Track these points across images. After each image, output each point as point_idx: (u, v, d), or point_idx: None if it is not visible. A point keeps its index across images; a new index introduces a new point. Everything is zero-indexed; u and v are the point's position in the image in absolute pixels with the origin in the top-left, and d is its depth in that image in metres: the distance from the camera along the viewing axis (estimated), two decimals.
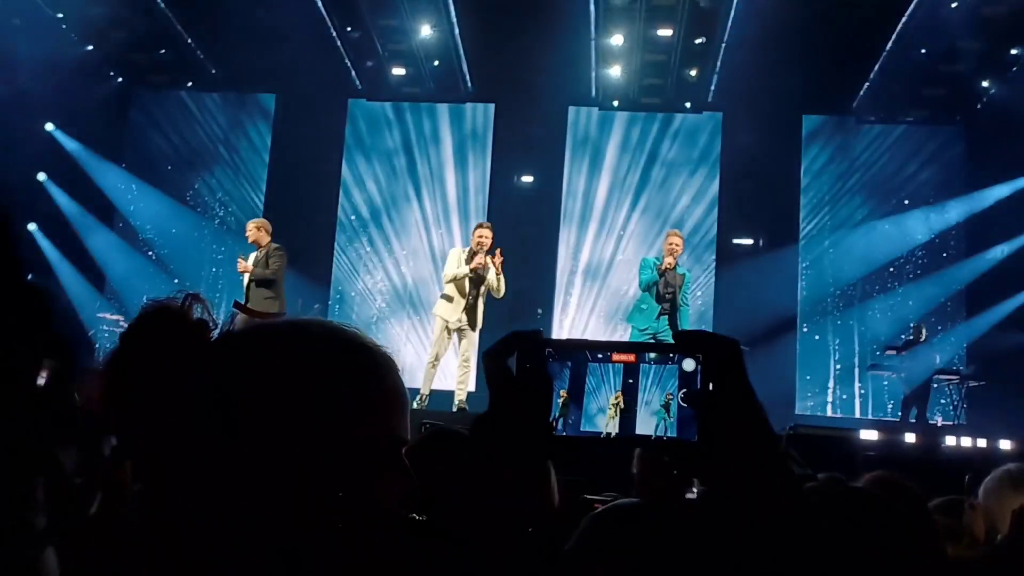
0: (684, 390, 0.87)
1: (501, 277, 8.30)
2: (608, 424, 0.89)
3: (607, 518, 1.72)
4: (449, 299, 8.25)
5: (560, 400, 0.88)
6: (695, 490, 3.29)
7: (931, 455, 7.61)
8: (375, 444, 0.87)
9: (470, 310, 8.20)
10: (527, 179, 13.46)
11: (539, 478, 0.85)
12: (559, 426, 0.88)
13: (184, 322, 0.90)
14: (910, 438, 8.05)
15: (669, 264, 8.31)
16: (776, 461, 0.80)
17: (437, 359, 8.29)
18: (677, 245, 8.40)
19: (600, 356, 0.90)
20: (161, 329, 0.88)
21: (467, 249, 8.37)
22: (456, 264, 8.26)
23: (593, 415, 0.89)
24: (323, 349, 0.89)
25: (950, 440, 7.84)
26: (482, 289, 8.26)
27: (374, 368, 0.90)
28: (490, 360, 0.87)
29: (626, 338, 8.48)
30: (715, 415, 0.83)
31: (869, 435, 7.66)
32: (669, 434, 0.87)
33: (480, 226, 8.45)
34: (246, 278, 8.30)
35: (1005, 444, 7.79)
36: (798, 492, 0.82)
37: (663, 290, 8.30)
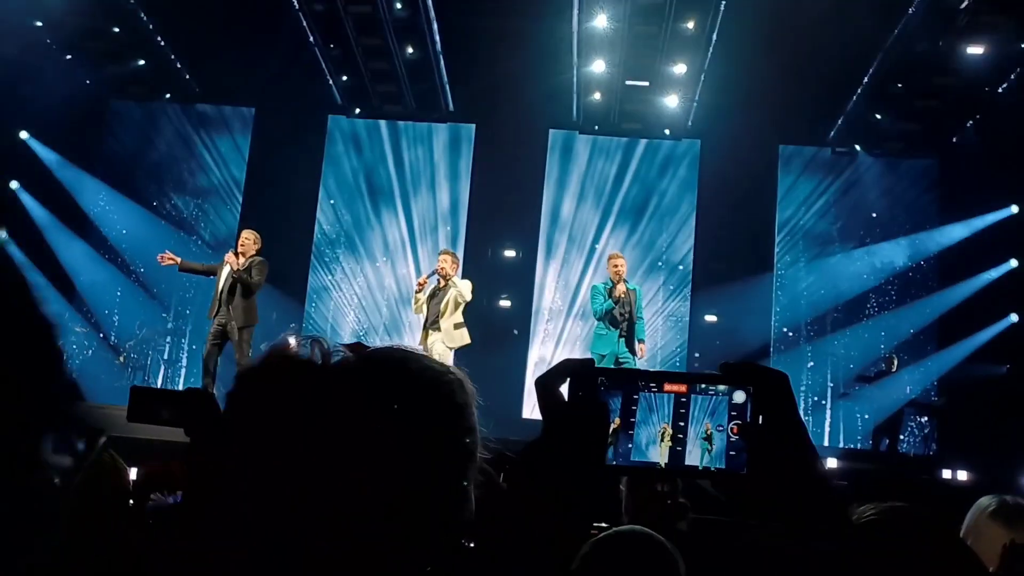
0: (736, 421, 0.87)
1: (456, 285, 8.29)
2: (657, 454, 0.88)
3: (608, 544, 1.69)
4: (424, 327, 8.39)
5: (611, 429, 0.88)
6: (686, 524, 3.27)
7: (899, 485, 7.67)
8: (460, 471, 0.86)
9: (435, 328, 8.23)
10: (507, 198, 13.48)
11: (593, 503, 0.83)
12: (610, 455, 0.87)
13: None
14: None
15: (621, 292, 8.32)
16: (827, 495, 0.79)
17: None
18: (621, 266, 8.45)
19: (652, 386, 0.90)
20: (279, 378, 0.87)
21: (430, 276, 8.48)
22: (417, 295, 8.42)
23: (643, 445, 0.88)
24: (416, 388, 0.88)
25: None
26: (444, 307, 8.23)
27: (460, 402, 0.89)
28: (542, 387, 0.86)
29: None
30: (766, 448, 0.82)
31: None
32: (717, 465, 0.87)
33: (440, 253, 8.60)
34: (222, 281, 8.22)
35: (962, 475, 7.90)
36: (849, 525, 0.81)
37: (618, 315, 8.33)
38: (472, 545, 0.88)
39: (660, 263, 13.32)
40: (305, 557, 0.81)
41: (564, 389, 0.87)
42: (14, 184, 12.80)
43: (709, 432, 0.87)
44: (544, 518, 0.79)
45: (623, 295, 8.31)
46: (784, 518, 0.78)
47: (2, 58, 11.51)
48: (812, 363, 13.06)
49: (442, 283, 8.32)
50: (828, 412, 12.85)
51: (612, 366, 8.06)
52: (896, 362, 11.25)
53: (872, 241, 13.19)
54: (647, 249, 13.31)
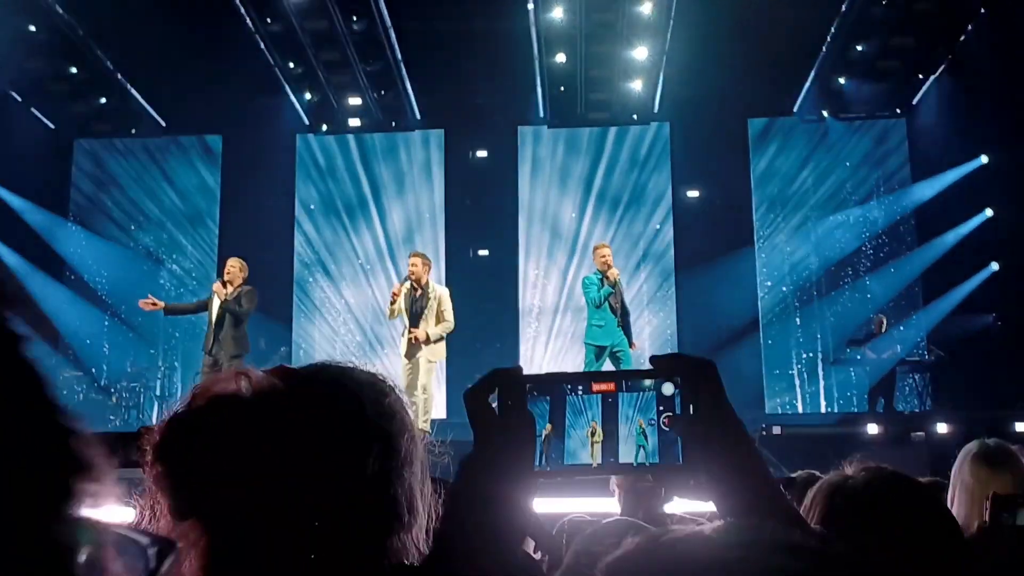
0: (667, 414, 0.87)
1: (446, 311, 8.10)
2: (589, 454, 0.88)
3: (598, 540, 1.70)
4: (402, 334, 8.14)
5: (543, 435, 0.88)
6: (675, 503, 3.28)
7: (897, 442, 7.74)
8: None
9: (412, 345, 8.03)
10: (481, 200, 13.47)
11: (524, 515, 0.84)
12: (542, 461, 0.87)
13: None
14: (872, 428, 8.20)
15: (615, 275, 8.25)
16: (763, 479, 0.80)
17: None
18: (608, 255, 8.33)
19: (580, 388, 0.90)
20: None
21: (404, 282, 8.22)
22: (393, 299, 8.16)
23: (575, 448, 0.88)
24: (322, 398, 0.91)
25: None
26: (426, 317, 8.03)
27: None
28: (471, 399, 0.87)
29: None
30: (700, 437, 0.83)
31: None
32: (651, 460, 0.87)
33: (410, 255, 8.32)
34: (214, 314, 8.16)
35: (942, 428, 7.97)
36: (789, 507, 0.82)
37: (614, 302, 8.25)
38: (415, 565, 0.89)
39: (641, 248, 13.35)
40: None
41: (494, 399, 0.88)
42: None
43: (642, 427, 0.87)
44: (484, 528, 0.79)
45: (617, 279, 8.26)
46: (726, 504, 0.80)
47: None
48: (802, 331, 13.13)
49: (418, 290, 8.08)
50: (822, 378, 12.92)
51: (609, 358, 8.06)
52: (885, 323, 11.31)
53: (848, 205, 13.27)
54: (627, 236, 13.33)
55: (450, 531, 0.82)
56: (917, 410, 11.03)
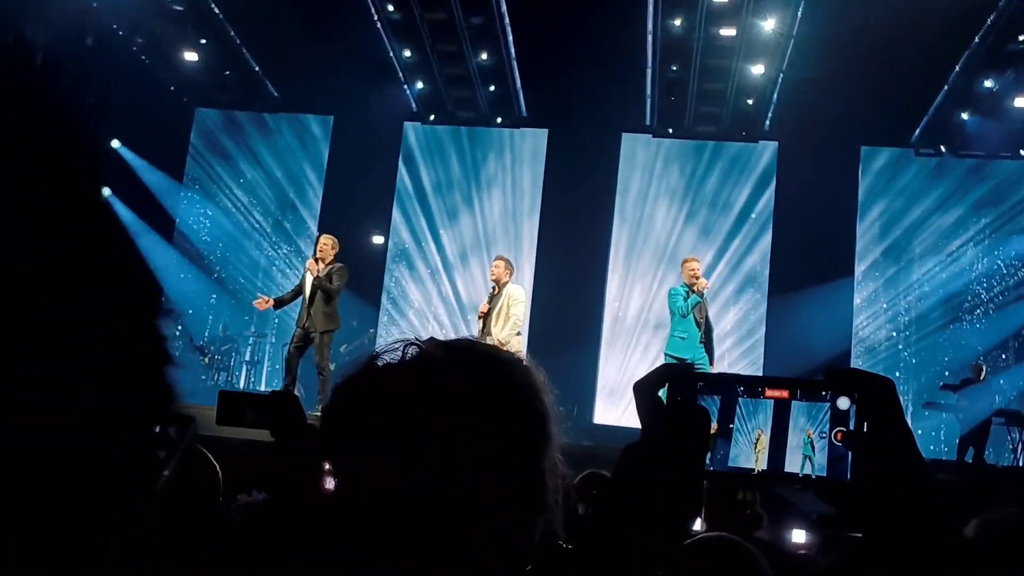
0: (839, 428, 0.86)
1: (510, 294, 8.22)
2: (754, 460, 0.87)
3: (697, 550, 1.70)
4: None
5: (711, 434, 0.87)
6: (765, 533, 3.24)
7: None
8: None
9: (485, 337, 8.14)
10: (579, 203, 13.44)
11: (695, 507, 0.84)
12: (708, 460, 0.87)
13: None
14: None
15: (703, 284, 8.15)
16: (936, 508, 0.78)
17: None
18: (697, 269, 8.25)
19: (752, 391, 0.89)
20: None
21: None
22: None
23: (741, 451, 0.88)
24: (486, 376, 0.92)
25: None
26: (496, 316, 8.16)
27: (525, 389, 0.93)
28: (641, 392, 0.87)
29: None
30: (870, 456, 0.81)
31: None
32: (817, 472, 0.86)
33: (496, 258, 8.54)
34: (308, 288, 8.41)
35: None
36: (961, 541, 0.80)
37: (699, 315, 8.14)
38: (569, 547, 0.90)
39: (735, 268, 13.11)
40: (407, 548, 0.86)
41: (662, 394, 0.88)
42: (106, 191, 13.29)
43: (811, 439, 0.86)
44: (642, 523, 0.79)
45: (704, 287, 8.18)
46: (888, 531, 0.78)
47: (95, 70, 12.00)
48: (895, 370, 12.68)
49: (496, 289, 8.27)
50: (911, 422, 12.45)
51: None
52: (984, 371, 10.86)
53: (956, 246, 12.74)
54: (722, 254, 13.12)
55: (607, 519, 0.82)
56: (1010, 464, 10.54)
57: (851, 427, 0.85)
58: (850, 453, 0.84)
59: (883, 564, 0.79)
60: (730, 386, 0.89)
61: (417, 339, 0.94)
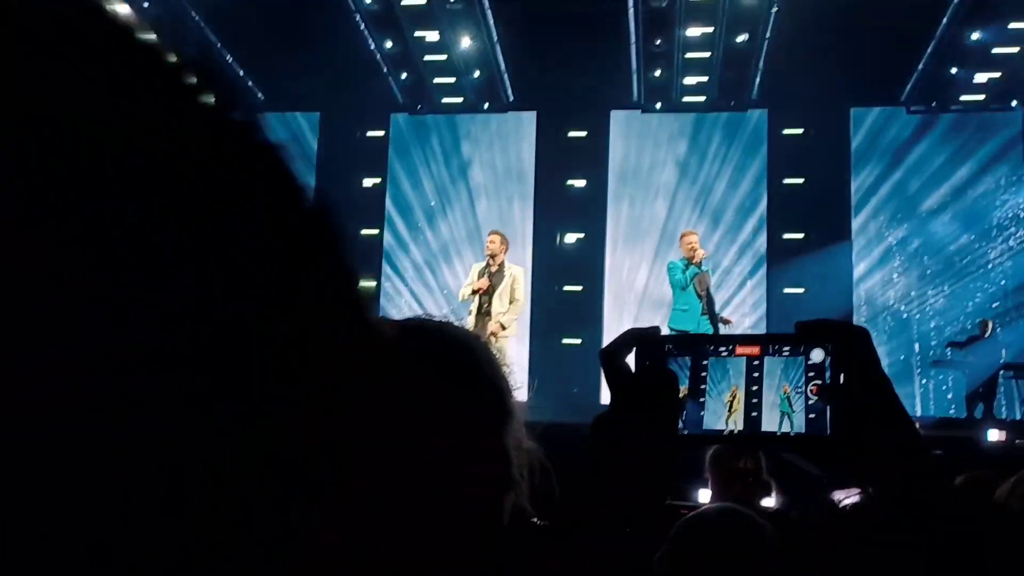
0: (814, 382, 0.81)
1: (517, 291, 8.08)
2: (730, 421, 0.83)
3: (698, 525, 1.65)
4: (470, 312, 8.17)
5: (680, 397, 0.83)
6: (772, 497, 3.20)
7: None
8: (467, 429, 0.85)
9: (481, 316, 8.03)
10: (572, 184, 13.38)
11: (666, 476, 0.80)
12: (680, 424, 0.83)
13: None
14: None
15: (701, 255, 8.11)
16: (919, 451, 0.74)
17: None
18: (695, 242, 8.21)
19: (722, 350, 0.85)
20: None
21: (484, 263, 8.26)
22: (471, 278, 8.17)
23: (715, 412, 0.84)
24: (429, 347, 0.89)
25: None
26: (499, 296, 8.03)
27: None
28: (607, 358, 0.83)
29: None
30: (849, 407, 0.77)
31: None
32: (796, 430, 0.82)
33: (489, 233, 8.36)
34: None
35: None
36: (945, 483, 0.76)
37: (699, 287, 8.09)
38: (543, 523, 0.87)
39: (733, 238, 13.07)
40: (374, 535, 0.82)
41: (631, 360, 0.84)
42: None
43: (788, 395, 0.82)
44: (616, 493, 0.76)
45: (702, 257, 8.14)
46: (876, 482, 0.74)
47: None
48: (898, 330, 12.65)
49: (494, 266, 8.10)
50: (917, 380, 12.44)
51: None
52: (991, 326, 10.83)
53: (955, 201, 12.68)
54: (719, 225, 13.08)
55: (578, 492, 0.79)
56: (1020, 418, 10.52)
57: (827, 380, 0.81)
58: (828, 407, 0.80)
59: (880, 519, 0.74)
60: (700, 346, 0.85)
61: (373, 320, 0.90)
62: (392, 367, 0.85)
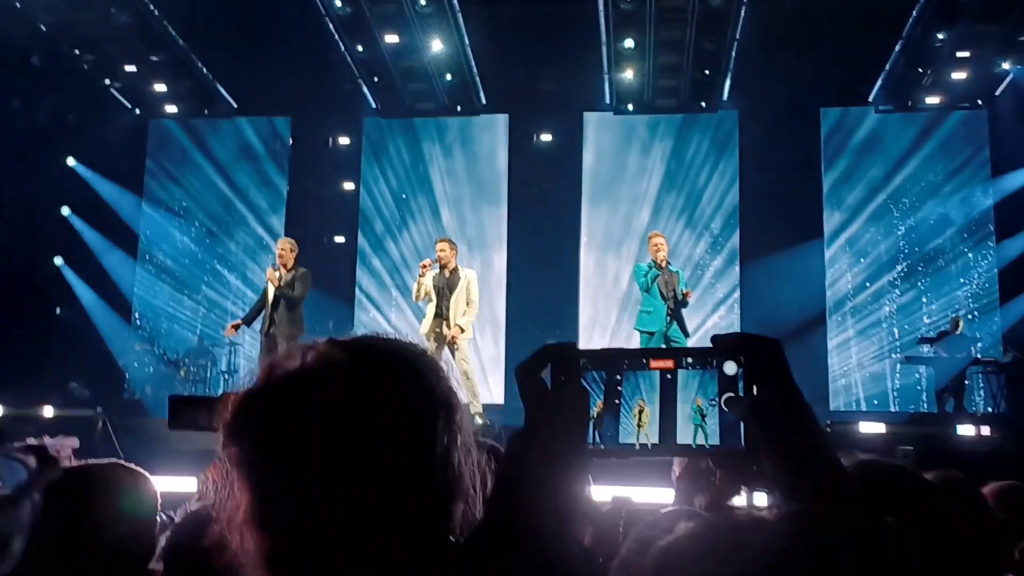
0: (727, 395, 0.82)
1: (472, 293, 8.12)
2: (641, 434, 0.84)
3: (656, 527, 1.65)
4: (426, 315, 8.21)
5: (594, 412, 0.84)
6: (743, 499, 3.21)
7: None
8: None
9: (438, 322, 8.06)
10: (545, 186, 13.39)
11: (577, 491, 0.81)
12: (596, 438, 0.84)
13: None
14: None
15: (661, 260, 8.15)
16: (830, 462, 0.75)
17: None
18: (661, 244, 8.25)
19: (637, 364, 0.86)
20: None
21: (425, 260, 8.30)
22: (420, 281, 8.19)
23: (629, 426, 0.85)
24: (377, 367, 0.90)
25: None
26: (456, 299, 8.07)
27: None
28: (523, 374, 0.84)
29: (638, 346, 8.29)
30: (760, 419, 0.78)
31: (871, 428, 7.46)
32: (710, 441, 0.83)
33: (438, 240, 8.39)
34: (270, 296, 8.35)
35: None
36: (855, 491, 0.77)
37: (664, 289, 8.13)
38: (459, 541, 0.87)
39: (706, 239, 13.15)
40: (326, 547, 0.83)
41: (548, 375, 0.85)
42: (65, 210, 13.14)
43: (700, 407, 0.83)
44: (534, 505, 0.77)
45: (663, 263, 8.17)
46: (790, 491, 0.75)
47: (44, 88, 11.82)
48: (870, 327, 12.78)
49: (448, 272, 8.13)
50: (889, 376, 12.57)
51: (662, 345, 7.94)
52: (961, 323, 10.97)
53: (924, 199, 12.83)
54: (692, 226, 13.15)
55: (499, 508, 0.80)
56: (991, 412, 10.65)
57: (740, 392, 0.82)
58: (741, 419, 0.81)
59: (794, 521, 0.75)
60: (615, 361, 0.86)
61: (315, 341, 0.92)
62: (339, 386, 0.86)
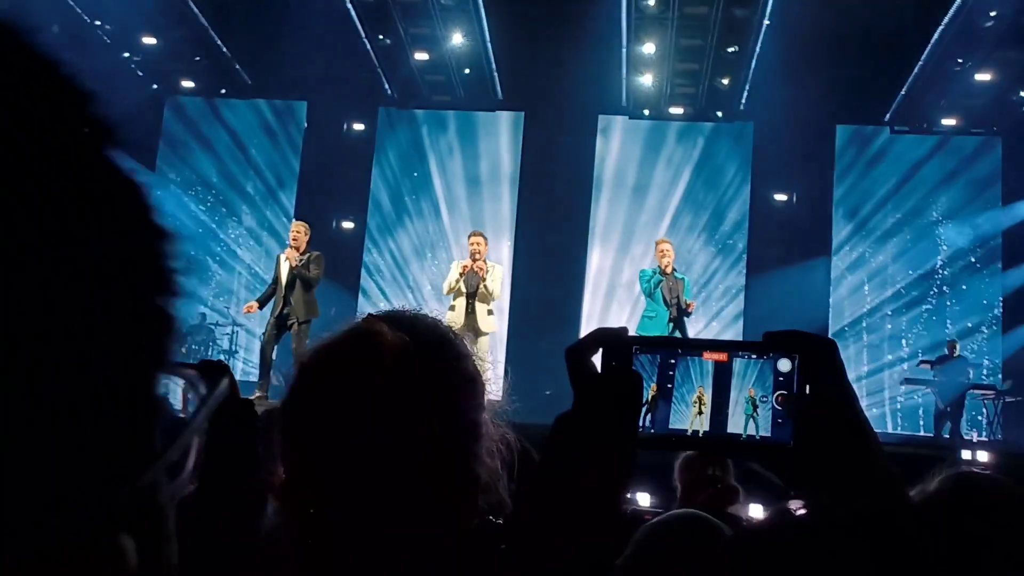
0: (780, 391, 0.83)
1: (492, 284, 8.23)
2: (695, 421, 0.85)
3: (662, 531, 1.67)
4: (452, 308, 8.28)
5: (649, 395, 0.84)
6: (740, 504, 3.23)
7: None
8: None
9: (470, 318, 8.16)
10: (556, 186, 13.38)
11: (627, 477, 0.81)
12: (647, 423, 0.84)
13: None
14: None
15: (666, 266, 8.20)
16: (880, 467, 0.76)
17: None
18: (667, 251, 8.29)
19: (691, 353, 0.86)
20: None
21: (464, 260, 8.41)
22: (453, 275, 8.30)
23: (681, 412, 0.85)
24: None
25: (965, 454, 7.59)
26: (480, 291, 8.20)
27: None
28: (573, 357, 0.84)
29: None
30: (813, 418, 0.79)
31: None
32: (761, 434, 0.84)
33: (472, 234, 8.46)
34: (284, 276, 8.33)
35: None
36: (905, 498, 0.78)
37: (668, 295, 8.17)
38: (500, 521, 0.88)
39: (714, 248, 13.15)
40: (366, 526, 0.84)
41: (597, 359, 0.85)
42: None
43: (753, 398, 0.83)
44: (578, 493, 0.77)
45: (667, 270, 8.22)
46: (834, 493, 0.76)
47: (63, 59, 11.78)
48: (872, 348, 12.78)
49: (478, 269, 8.21)
50: (888, 398, 12.58)
51: None
52: (957, 347, 10.97)
53: (934, 221, 12.83)
54: (700, 235, 13.15)
55: (541, 492, 0.80)
56: (987, 438, 10.66)
57: (794, 390, 0.83)
58: (792, 416, 0.82)
59: (832, 528, 0.77)
60: (669, 348, 0.87)
61: (374, 315, 0.93)
62: (385, 359, 0.87)
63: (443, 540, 0.87)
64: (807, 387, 0.82)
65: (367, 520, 0.84)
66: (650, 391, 0.84)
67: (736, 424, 0.83)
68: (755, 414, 0.83)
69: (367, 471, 0.84)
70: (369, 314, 0.95)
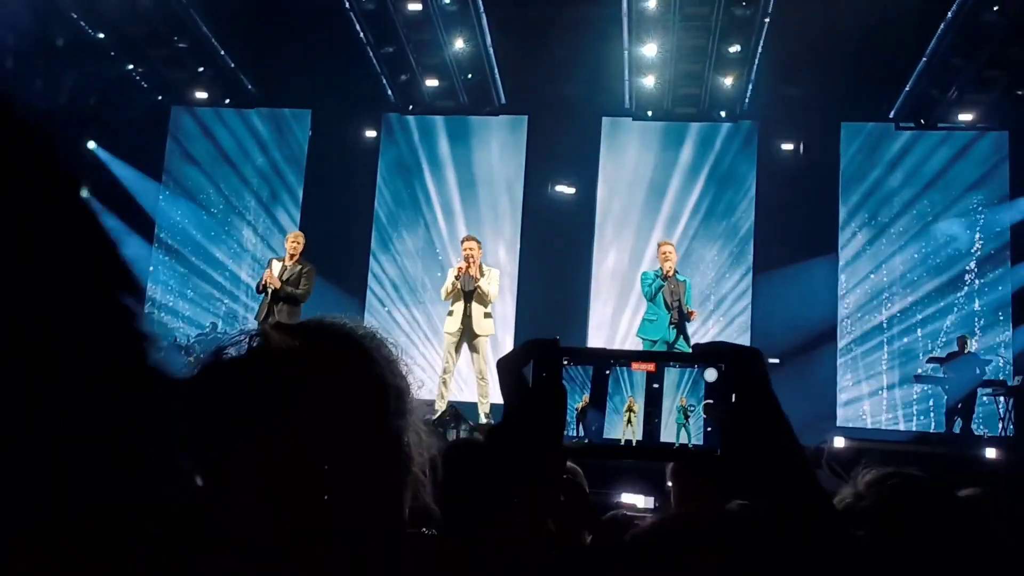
0: (707, 401, 0.84)
1: (487, 286, 8.23)
2: (627, 431, 0.86)
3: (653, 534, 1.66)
4: (450, 314, 8.28)
5: (579, 406, 0.85)
6: (736, 506, 3.22)
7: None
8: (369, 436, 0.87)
9: (466, 321, 8.16)
10: (561, 191, 13.39)
11: (552, 487, 0.82)
12: (580, 432, 0.85)
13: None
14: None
15: (668, 269, 8.19)
16: (802, 472, 0.77)
17: (446, 372, 8.36)
18: (670, 253, 8.29)
19: (622, 364, 0.87)
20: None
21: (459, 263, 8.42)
22: (449, 280, 8.34)
23: (615, 421, 0.86)
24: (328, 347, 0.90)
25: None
26: (477, 295, 8.21)
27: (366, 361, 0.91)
28: (503, 369, 0.85)
29: None
30: (738, 426, 0.80)
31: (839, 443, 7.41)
32: (693, 441, 0.85)
33: (465, 239, 8.47)
34: (271, 289, 8.36)
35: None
36: (826, 502, 0.79)
37: (669, 299, 8.16)
38: (431, 533, 0.88)
39: (719, 249, 13.11)
40: (276, 533, 0.84)
41: (529, 371, 0.85)
42: (84, 194, 13.23)
43: (684, 407, 0.84)
44: (507, 501, 0.78)
45: (669, 273, 8.21)
46: (759, 497, 0.77)
47: (68, 70, 11.91)
48: (881, 345, 12.72)
49: (472, 272, 8.22)
50: (899, 395, 12.51)
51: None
52: (969, 343, 10.91)
53: (940, 218, 12.76)
54: (706, 235, 13.12)
55: (470, 498, 0.81)
56: (997, 434, 10.59)
57: (720, 399, 0.84)
58: (718, 424, 0.83)
59: (760, 532, 0.77)
60: (600, 359, 0.87)
61: (262, 327, 0.93)
62: (285, 370, 0.87)
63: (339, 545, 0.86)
64: (732, 396, 0.83)
65: (251, 529, 0.83)
66: (582, 401, 0.85)
67: (669, 433, 0.85)
68: (686, 423, 0.84)
69: (246, 477, 0.83)
70: (277, 322, 0.95)
